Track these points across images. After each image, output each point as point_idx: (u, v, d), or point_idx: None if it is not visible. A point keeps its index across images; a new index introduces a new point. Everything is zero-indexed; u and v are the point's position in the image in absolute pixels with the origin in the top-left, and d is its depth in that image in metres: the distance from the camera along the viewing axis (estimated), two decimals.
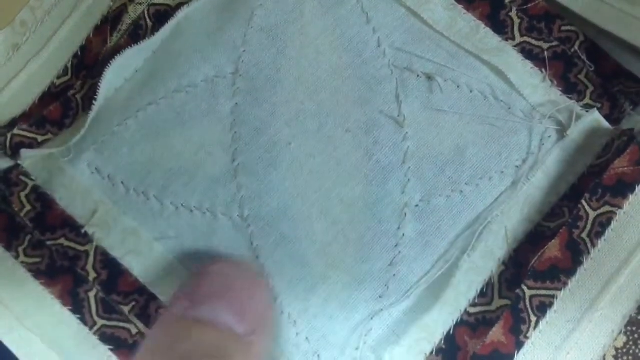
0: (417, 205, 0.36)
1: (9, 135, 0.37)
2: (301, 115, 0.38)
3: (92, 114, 0.37)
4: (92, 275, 0.35)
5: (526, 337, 0.34)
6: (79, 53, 0.39)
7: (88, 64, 0.39)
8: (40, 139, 0.38)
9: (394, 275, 0.36)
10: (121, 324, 0.35)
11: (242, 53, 0.38)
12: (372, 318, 0.35)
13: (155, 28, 0.39)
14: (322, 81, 0.38)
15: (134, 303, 0.35)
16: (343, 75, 0.38)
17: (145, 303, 0.35)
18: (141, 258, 0.36)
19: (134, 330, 0.35)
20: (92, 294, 0.35)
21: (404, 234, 0.36)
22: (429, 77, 0.38)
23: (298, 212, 0.36)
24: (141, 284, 0.35)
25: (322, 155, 0.37)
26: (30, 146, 0.38)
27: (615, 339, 0.35)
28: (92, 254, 0.36)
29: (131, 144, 0.37)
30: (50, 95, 0.39)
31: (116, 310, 0.35)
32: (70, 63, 0.39)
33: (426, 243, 0.36)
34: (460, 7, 0.39)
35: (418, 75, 0.38)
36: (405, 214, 0.36)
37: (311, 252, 0.36)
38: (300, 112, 0.38)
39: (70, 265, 0.35)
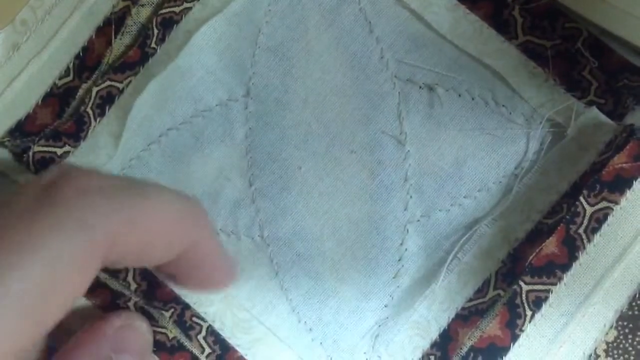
0: (418, 221, 0.40)
1: (30, 153, 0.39)
2: (309, 137, 0.40)
3: (120, 145, 0.39)
4: (133, 285, 0.40)
5: (521, 330, 0.37)
6: (81, 54, 0.41)
7: (90, 65, 0.41)
8: (59, 151, 0.40)
9: (398, 286, 0.39)
10: (159, 329, 0.39)
11: (252, 75, 0.41)
12: (379, 325, 0.39)
13: (161, 34, 0.40)
14: (328, 101, 0.40)
15: (172, 310, 0.39)
16: (347, 93, 0.40)
17: (181, 311, 0.40)
18: None
19: (171, 335, 0.39)
20: (130, 303, 0.39)
21: (406, 249, 0.39)
22: (431, 88, 0.40)
23: (310, 233, 0.40)
24: (176, 294, 0.40)
25: (330, 177, 0.40)
26: (52, 160, 0.40)
27: (607, 333, 0.37)
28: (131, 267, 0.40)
29: (157, 169, 0.41)
30: (53, 96, 0.41)
31: (154, 317, 0.39)
32: (72, 64, 0.41)
33: (427, 256, 0.39)
34: (463, 7, 0.40)
35: (420, 87, 0.40)
36: (408, 230, 0.40)
37: (323, 269, 0.40)
38: (308, 134, 0.40)
39: (111, 278, 0.39)
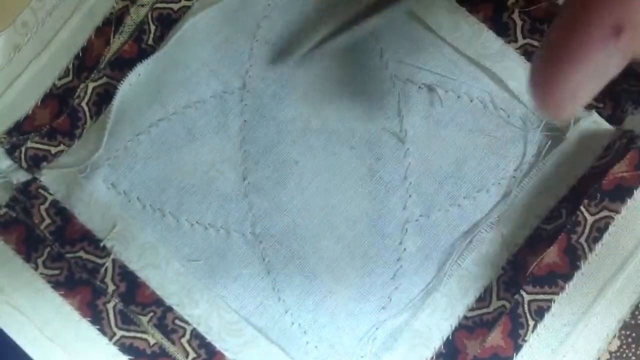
0: (417, 220, 0.38)
1: (22, 149, 0.38)
2: (307, 132, 0.39)
3: (106, 133, 0.38)
4: (111, 287, 0.37)
5: (524, 341, 0.36)
6: (80, 54, 0.40)
7: (89, 65, 0.40)
8: (53, 150, 0.39)
9: (396, 287, 0.38)
10: (139, 335, 0.37)
11: (249, 67, 0.40)
12: (376, 328, 0.37)
13: (158, 31, 0.40)
14: (327, 97, 0.39)
15: (151, 314, 0.37)
16: (347, 90, 0.40)
17: (162, 314, 0.37)
18: (158, 272, 0.37)
19: (152, 341, 0.37)
20: (110, 306, 0.37)
21: (405, 249, 0.38)
22: (430, 89, 0.39)
23: (306, 230, 0.38)
24: (158, 296, 0.37)
25: (327, 172, 0.39)
26: (45, 158, 0.39)
27: (610, 343, 0.36)
28: (110, 266, 0.37)
29: (144, 160, 0.39)
30: (52, 97, 0.39)
31: (134, 322, 0.37)
32: (71, 64, 0.40)
33: (426, 256, 0.38)
34: (463, 9, 0.40)
35: (419, 87, 0.39)
36: (407, 229, 0.38)
37: (319, 268, 0.38)
38: (306, 129, 0.39)
39: (89, 278, 0.37)
